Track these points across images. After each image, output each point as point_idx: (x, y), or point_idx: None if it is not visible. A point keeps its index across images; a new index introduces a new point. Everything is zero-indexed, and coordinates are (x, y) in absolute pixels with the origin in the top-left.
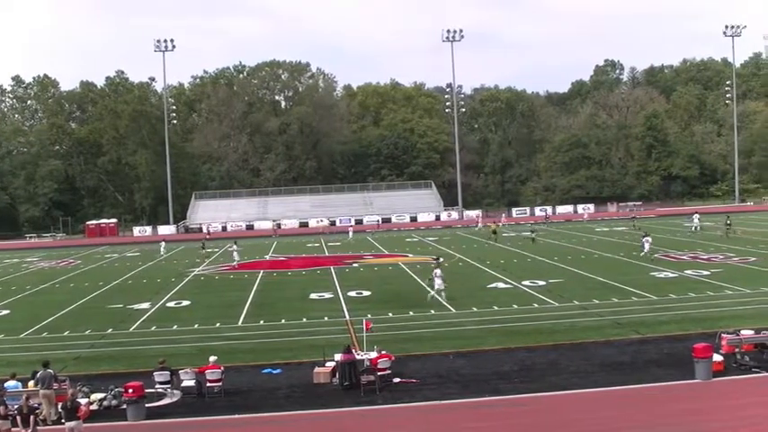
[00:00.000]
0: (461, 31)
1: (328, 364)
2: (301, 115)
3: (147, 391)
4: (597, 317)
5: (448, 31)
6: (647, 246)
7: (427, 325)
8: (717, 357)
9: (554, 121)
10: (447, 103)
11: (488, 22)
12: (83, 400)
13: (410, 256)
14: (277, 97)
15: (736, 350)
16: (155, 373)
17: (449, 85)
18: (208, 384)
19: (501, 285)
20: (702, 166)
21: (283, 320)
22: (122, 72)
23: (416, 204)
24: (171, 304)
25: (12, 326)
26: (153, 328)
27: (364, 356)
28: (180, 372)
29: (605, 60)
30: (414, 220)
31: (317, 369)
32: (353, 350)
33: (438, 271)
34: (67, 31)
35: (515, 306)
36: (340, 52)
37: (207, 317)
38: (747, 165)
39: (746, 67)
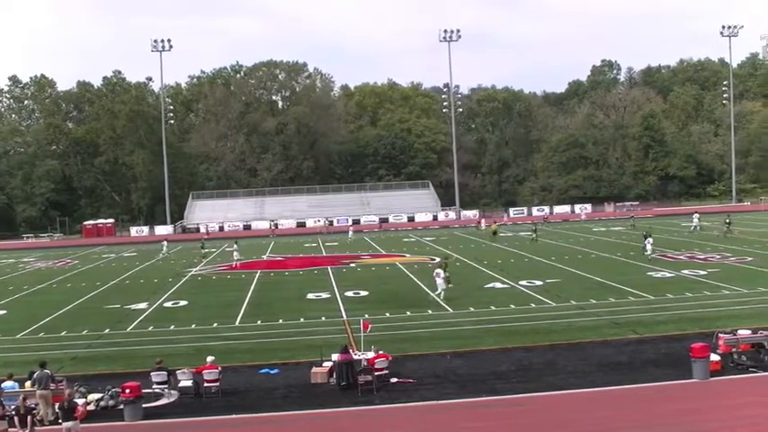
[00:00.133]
0: (458, 31)
1: (325, 364)
2: (298, 115)
3: (144, 391)
4: (594, 317)
5: (445, 31)
6: (648, 246)
7: (424, 325)
8: (714, 357)
9: (551, 121)
10: (444, 103)
11: (485, 22)
12: (80, 401)
13: (407, 256)
14: (274, 97)
15: (734, 350)
16: (152, 374)
17: (446, 85)
18: (205, 384)
19: (498, 285)
20: (699, 166)
21: (281, 320)
22: (119, 72)
23: (414, 204)
24: (168, 304)
25: (9, 326)
26: (150, 328)
27: (361, 356)
28: (177, 372)
29: (602, 60)
30: (411, 220)
31: (314, 369)
32: (351, 350)
33: (440, 271)
34: (65, 31)
35: (512, 306)
36: (337, 52)
37: (204, 317)
38: (744, 165)
39: (743, 67)
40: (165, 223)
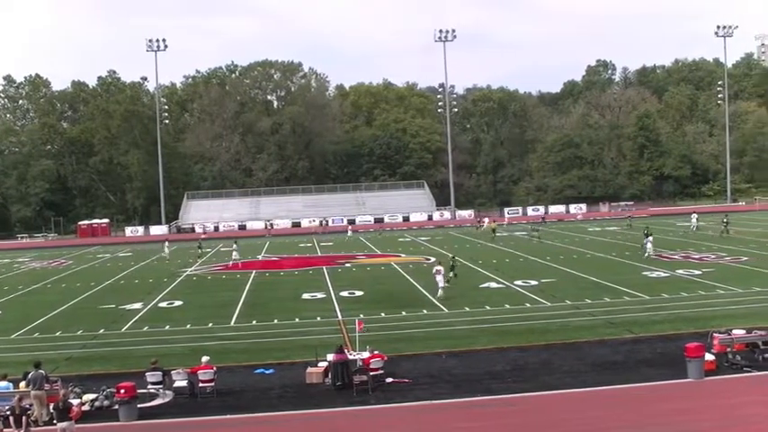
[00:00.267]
0: (454, 31)
1: (321, 364)
2: (294, 115)
3: (139, 391)
4: (590, 316)
5: (440, 31)
6: (649, 245)
7: (419, 325)
8: (709, 357)
9: (546, 122)
10: (439, 103)
11: (481, 22)
12: (74, 401)
13: (402, 256)
14: (269, 97)
15: (728, 349)
16: (147, 374)
17: (441, 85)
18: (200, 385)
19: (493, 285)
20: (694, 166)
21: (276, 320)
22: (114, 72)
23: (409, 204)
24: (163, 304)
25: (3, 326)
26: (145, 328)
27: (357, 356)
28: (172, 372)
29: (597, 60)
30: (406, 219)
31: (309, 369)
32: (346, 350)
33: (440, 269)
34: (60, 31)
35: (508, 306)
36: (332, 52)
37: (199, 317)
38: (739, 165)
39: (738, 67)
40: (159, 223)
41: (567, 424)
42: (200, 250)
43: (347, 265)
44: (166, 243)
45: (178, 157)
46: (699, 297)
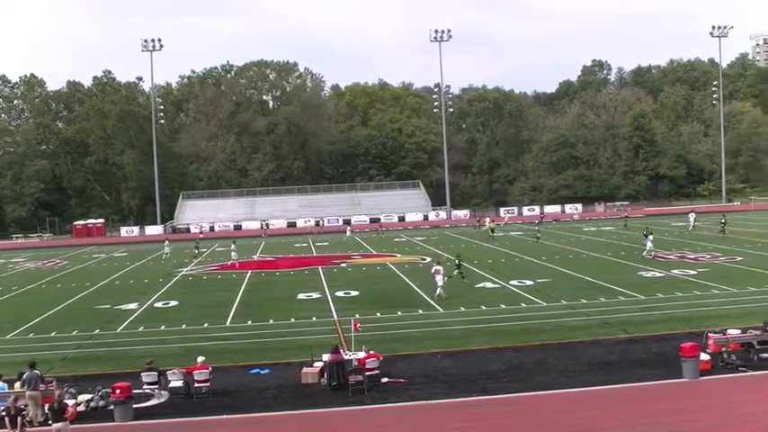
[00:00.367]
0: (449, 31)
1: (316, 364)
2: (289, 115)
3: (134, 391)
4: (585, 316)
5: (436, 31)
6: (649, 244)
7: (415, 325)
8: (704, 356)
9: (542, 121)
10: (435, 103)
11: (476, 22)
12: (70, 402)
13: (398, 256)
14: (265, 97)
15: (723, 349)
16: (142, 374)
17: (437, 85)
18: (196, 385)
19: (489, 285)
20: (689, 165)
21: (271, 321)
22: (110, 72)
23: (404, 204)
24: (159, 304)
25: None
26: (140, 328)
27: (352, 356)
28: (168, 372)
29: (593, 60)
30: (402, 219)
31: (305, 369)
32: (341, 350)
33: (440, 268)
34: (55, 31)
35: (503, 306)
36: (328, 52)
37: (195, 317)
38: (734, 165)
39: (733, 67)
40: (155, 223)
41: (562, 424)
42: (196, 250)
43: (343, 265)
44: (167, 242)
45: (173, 157)
46: (694, 297)
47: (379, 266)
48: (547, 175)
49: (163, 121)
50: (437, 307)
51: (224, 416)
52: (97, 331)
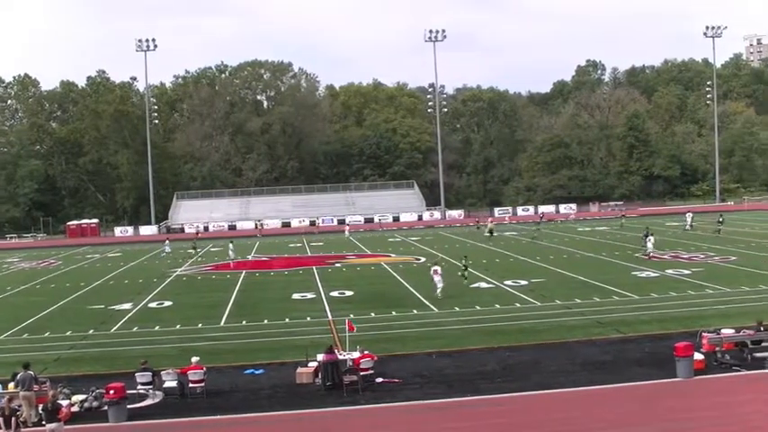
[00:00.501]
0: (444, 31)
1: (311, 364)
2: (283, 115)
3: (128, 392)
4: (579, 316)
5: (430, 31)
6: (649, 245)
7: (410, 325)
8: (698, 356)
9: (536, 122)
10: (429, 103)
11: (471, 22)
12: (64, 402)
13: (393, 256)
14: (259, 97)
15: (717, 349)
16: (136, 375)
17: (431, 85)
18: (190, 385)
19: (483, 285)
20: (683, 165)
21: (266, 321)
22: (104, 72)
23: (399, 204)
24: (153, 305)
25: None
26: (135, 328)
27: (347, 356)
28: (162, 373)
29: (587, 61)
30: (396, 219)
31: (299, 369)
32: (336, 350)
33: (438, 268)
34: (49, 31)
35: (498, 306)
36: (322, 52)
37: (189, 317)
38: (728, 165)
39: (727, 67)
40: (149, 224)
41: (556, 423)
42: (194, 250)
43: (337, 265)
44: (167, 242)
45: (168, 157)
46: (688, 297)
47: (374, 266)
48: (541, 175)
49: (157, 122)
50: (432, 307)
51: (218, 416)
52: (91, 331)
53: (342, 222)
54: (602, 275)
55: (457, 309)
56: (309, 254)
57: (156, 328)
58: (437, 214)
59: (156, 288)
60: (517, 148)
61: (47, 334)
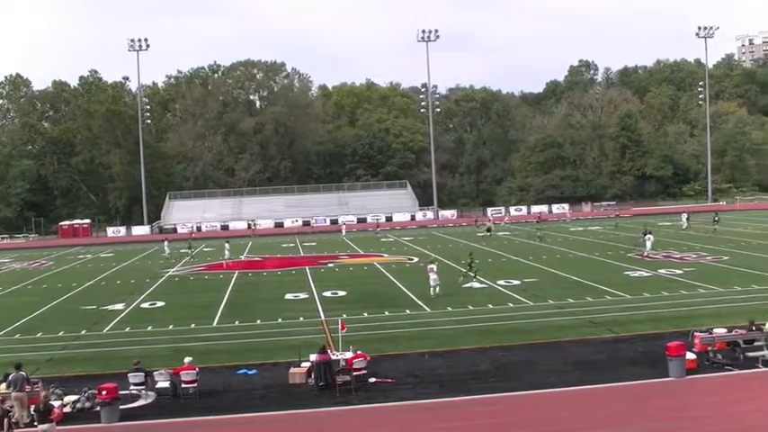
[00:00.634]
0: (437, 31)
1: (304, 364)
2: (276, 115)
3: (121, 392)
4: (572, 316)
5: (423, 31)
6: (648, 244)
7: (402, 325)
8: (690, 355)
9: (529, 122)
10: (422, 103)
11: (464, 22)
12: (56, 403)
13: (385, 256)
14: (252, 97)
15: (709, 348)
16: (129, 375)
17: (424, 85)
18: (183, 385)
19: (476, 285)
20: (676, 165)
21: (258, 321)
22: (96, 72)
23: (392, 204)
24: (145, 305)
25: None
26: (127, 329)
27: (340, 356)
28: (154, 373)
29: (580, 61)
30: (389, 219)
31: (292, 369)
32: (329, 350)
33: (434, 267)
34: (41, 30)
35: (490, 306)
36: (315, 52)
37: (182, 318)
38: (720, 165)
39: (719, 68)
40: (142, 224)
41: (546, 423)
42: (189, 250)
43: (330, 265)
44: (166, 242)
45: (160, 157)
46: (680, 296)
47: (367, 266)
48: (534, 176)
49: (149, 121)
50: (424, 307)
51: (211, 416)
52: (83, 332)
53: (335, 222)
54: (594, 275)
55: (449, 309)
56: (302, 254)
57: (149, 328)
58: (430, 214)
59: (148, 288)
60: (510, 148)
61: (39, 334)
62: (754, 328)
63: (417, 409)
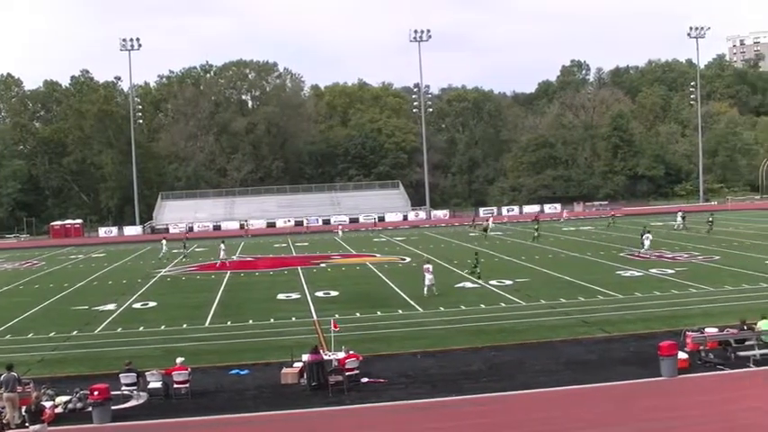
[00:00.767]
0: (429, 31)
1: (296, 364)
2: (268, 115)
3: (112, 393)
4: (564, 316)
5: (415, 31)
6: (647, 243)
7: (395, 325)
8: (682, 355)
9: (521, 122)
10: (414, 103)
11: (456, 22)
12: (47, 403)
13: (378, 256)
14: (244, 97)
15: (701, 348)
16: (121, 375)
17: (416, 85)
18: (175, 386)
19: (468, 285)
20: (667, 165)
21: (251, 321)
22: (87, 71)
23: (384, 204)
24: (137, 305)
25: None
26: (119, 329)
27: (332, 357)
28: (146, 373)
29: (572, 61)
30: (381, 219)
31: (284, 370)
32: (321, 350)
33: (430, 266)
34: (32, 30)
35: (483, 306)
36: (307, 52)
37: (173, 318)
38: (711, 165)
39: (710, 68)
40: (134, 224)
41: (537, 423)
42: (184, 249)
43: (322, 265)
44: (164, 242)
45: (152, 157)
46: (672, 296)
47: (359, 266)
48: (526, 175)
49: (141, 121)
50: (417, 307)
51: (203, 417)
52: (75, 332)
53: (327, 222)
54: (587, 275)
55: (442, 309)
56: (294, 254)
57: (141, 328)
58: (422, 214)
59: (140, 288)
60: (502, 148)
61: (30, 335)
62: (745, 328)
63: (409, 409)
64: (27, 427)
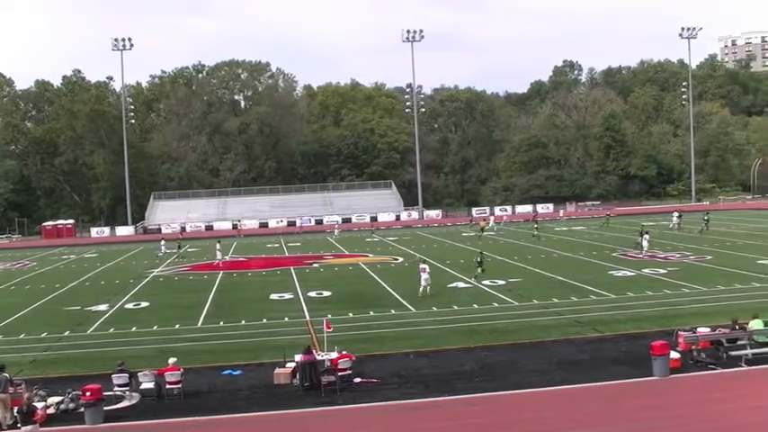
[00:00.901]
0: (421, 31)
1: (289, 364)
2: (261, 115)
3: (105, 393)
4: (556, 316)
5: (408, 31)
6: (645, 243)
7: (387, 325)
8: (674, 355)
9: (513, 122)
10: (407, 104)
11: (449, 22)
12: (39, 404)
13: (370, 256)
14: (237, 97)
15: (693, 347)
16: (113, 376)
17: (409, 86)
18: (167, 386)
19: (461, 285)
20: (659, 165)
21: (243, 321)
22: (79, 71)
23: (376, 204)
24: (129, 306)
25: None
26: (111, 330)
27: (325, 357)
28: (139, 374)
29: (564, 61)
30: (374, 219)
31: (277, 370)
32: (314, 351)
33: (425, 266)
34: (23, 29)
35: (475, 306)
36: (300, 52)
37: (166, 318)
38: (703, 165)
39: (702, 68)
40: (126, 224)
41: (528, 423)
42: (179, 249)
43: (315, 265)
44: (163, 242)
45: (144, 157)
46: (664, 296)
47: (352, 266)
48: (518, 175)
49: (133, 121)
50: (409, 307)
51: (196, 417)
52: (67, 333)
53: (320, 222)
54: (579, 275)
55: (434, 309)
56: (287, 254)
57: (133, 329)
58: (415, 214)
59: (132, 289)
60: (494, 148)
61: (22, 336)
62: (737, 327)
63: (402, 409)
64: (19, 428)
